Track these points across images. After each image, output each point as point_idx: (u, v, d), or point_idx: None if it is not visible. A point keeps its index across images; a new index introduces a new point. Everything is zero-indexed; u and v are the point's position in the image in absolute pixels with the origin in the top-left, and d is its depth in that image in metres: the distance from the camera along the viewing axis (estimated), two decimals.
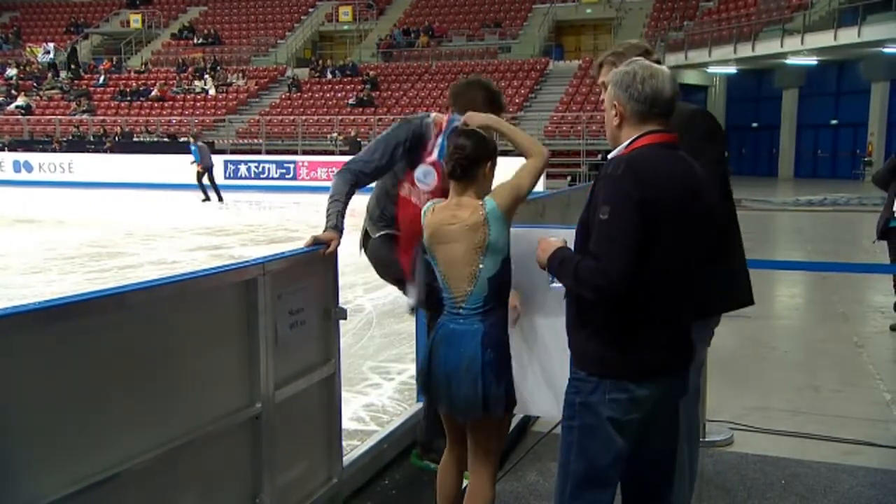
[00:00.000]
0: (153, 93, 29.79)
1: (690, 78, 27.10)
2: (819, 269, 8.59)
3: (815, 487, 3.47)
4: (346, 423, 3.71)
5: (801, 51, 23.44)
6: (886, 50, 22.00)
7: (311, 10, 34.99)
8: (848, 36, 21.64)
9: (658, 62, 2.57)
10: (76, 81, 31.76)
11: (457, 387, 2.51)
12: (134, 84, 30.77)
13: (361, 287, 7.44)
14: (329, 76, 30.04)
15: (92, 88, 31.22)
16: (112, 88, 30.95)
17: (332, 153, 24.22)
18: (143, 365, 2.15)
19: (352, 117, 26.72)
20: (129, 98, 29.99)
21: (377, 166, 3.15)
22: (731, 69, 26.97)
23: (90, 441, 1.99)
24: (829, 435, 4.02)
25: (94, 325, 2.00)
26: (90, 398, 1.99)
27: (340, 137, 25.03)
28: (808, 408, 4.54)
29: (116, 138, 26.37)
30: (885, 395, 4.79)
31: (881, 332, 6.41)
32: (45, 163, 24.96)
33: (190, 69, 30.99)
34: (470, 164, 2.55)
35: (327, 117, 27.11)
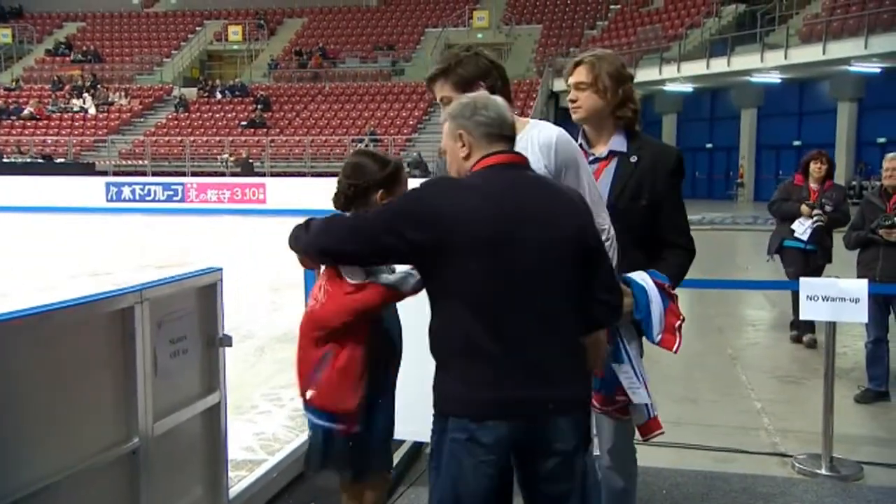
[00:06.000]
0: (26, 111, 28.22)
1: None
2: (698, 287, 9.01)
3: (693, 495, 3.64)
4: (235, 453, 3.61)
5: (677, 78, 24.86)
6: (753, 79, 23.61)
7: (198, 28, 34.18)
8: (719, 65, 23.17)
9: (630, 77, 2.64)
10: None
11: None
12: (3, 102, 29.06)
13: (250, 313, 7.27)
14: (219, 96, 29.37)
15: None
16: None
17: (222, 175, 23.60)
18: (10, 400, 2.03)
19: (243, 138, 26.18)
20: None
21: None
22: None
23: None
24: (705, 444, 4.22)
25: None
26: None
27: (232, 159, 24.46)
28: (687, 419, 4.75)
29: None
30: (755, 403, 5.09)
31: (753, 344, 6.81)
32: None
33: (67, 87, 29.57)
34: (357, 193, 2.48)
35: (217, 138, 26.44)
